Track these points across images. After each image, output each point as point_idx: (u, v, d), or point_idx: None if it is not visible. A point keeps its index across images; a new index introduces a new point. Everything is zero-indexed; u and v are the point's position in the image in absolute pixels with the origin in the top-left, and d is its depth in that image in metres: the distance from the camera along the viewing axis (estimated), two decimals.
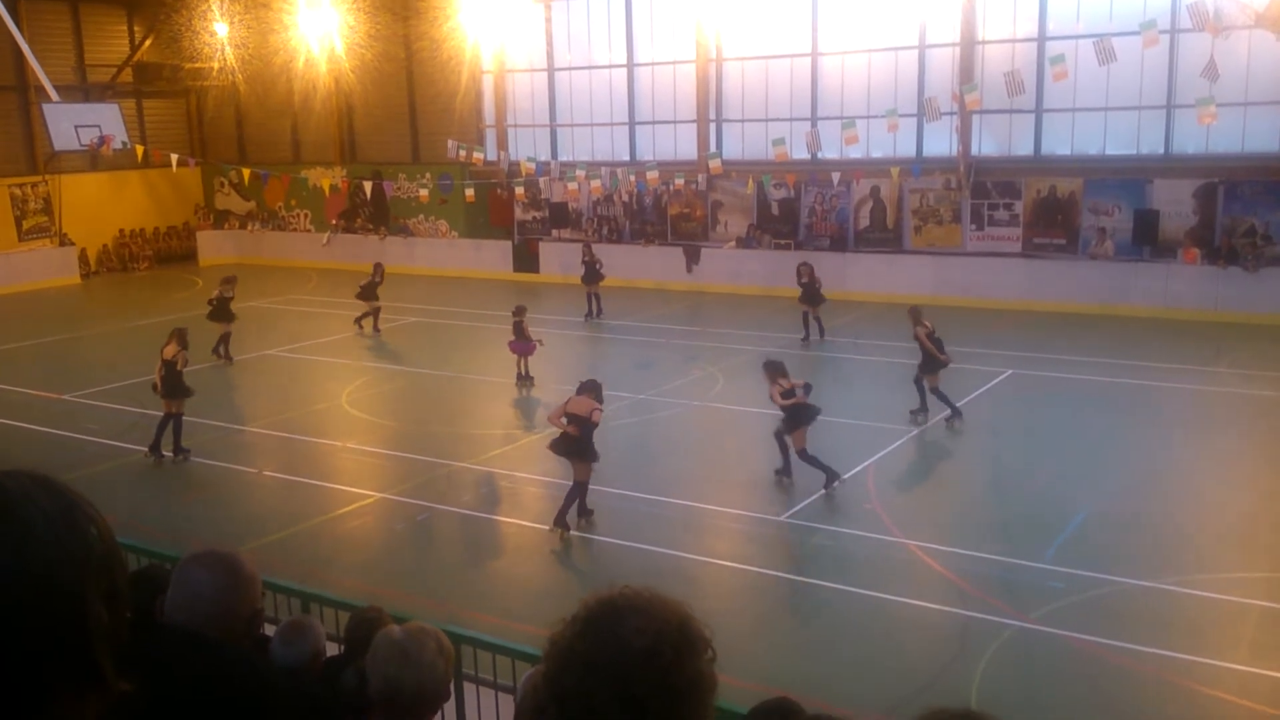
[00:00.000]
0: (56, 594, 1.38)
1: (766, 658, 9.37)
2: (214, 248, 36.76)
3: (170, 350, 15.39)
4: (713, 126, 29.04)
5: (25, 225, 33.08)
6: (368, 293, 23.74)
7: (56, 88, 30.85)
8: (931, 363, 15.90)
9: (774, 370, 13.36)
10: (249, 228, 37.31)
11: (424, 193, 31.18)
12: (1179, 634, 9.73)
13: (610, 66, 30.39)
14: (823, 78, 27.55)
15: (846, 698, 8.58)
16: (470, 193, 29.95)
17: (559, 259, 30.62)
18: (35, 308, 29.10)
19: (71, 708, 1.41)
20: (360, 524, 13.25)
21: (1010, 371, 18.98)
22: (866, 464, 14.43)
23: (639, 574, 11.22)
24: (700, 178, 28.35)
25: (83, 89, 34.34)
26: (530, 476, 14.69)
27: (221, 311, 21.18)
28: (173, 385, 15.30)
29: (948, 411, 16.01)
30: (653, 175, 27.56)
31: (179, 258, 36.64)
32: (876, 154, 26.69)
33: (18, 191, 32.90)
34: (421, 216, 33.63)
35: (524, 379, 18.96)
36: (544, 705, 1.91)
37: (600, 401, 12.45)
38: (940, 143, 26.18)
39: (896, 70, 26.54)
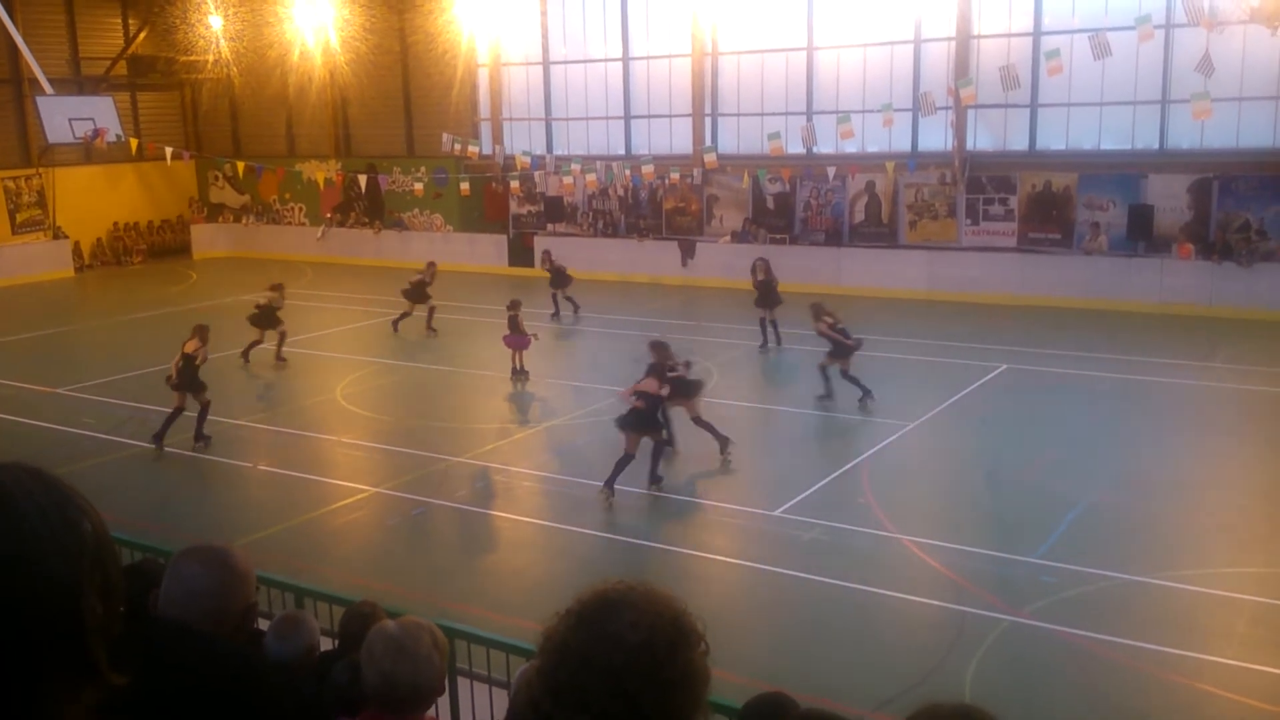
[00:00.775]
0: (50, 588, 1.38)
1: (760, 652, 9.38)
2: (208, 241, 36.70)
3: (192, 345, 15.59)
4: (708, 121, 29.03)
5: (19, 218, 32.99)
6: (417, 293, 22.65)
7: (51, 80, 30.78)
8: (840, 349, 16.69)
9: (660, 349, 14.40)
10: (243, 221, 37.24)
11: (419, 186, 31.17)
12: (1172, 629, 9.76)
13: (606, 60, 30.35)
14: (818, 72, 27.54)
15: (840, 692, 8.60)
16: (465, 186, 29.91)
17: (554, 253, 30.54)
18: (29, 301, 29.04)
19: (66, 701, 1.41)
20: (355, 518, 13.25)
21: (1005, 366, 19.00)
22: (861, 459, 14.45)
23: (633, 568, 11.25)
24: (695, 172, 28.35)
25: (77, 82, 34.23)
26: (525, 471, 14.69)
27: (267, 318, 20.40)
28: (189, 379, 15.50)
29: (859, 393, 16.65)
30: (648, 169, 27.57)
31: (173, 251, 36.56)
32: (872, 148, 26.69)
33: (11, 184, 32.81)
34: (416, 210, 33.59)
35: (519, 373, 18.96)
36: (538, 699, 1.91)
37: (665, 376, 13.56)
38: (935, 137, 26.18)
39: (892, 65, 26.53)
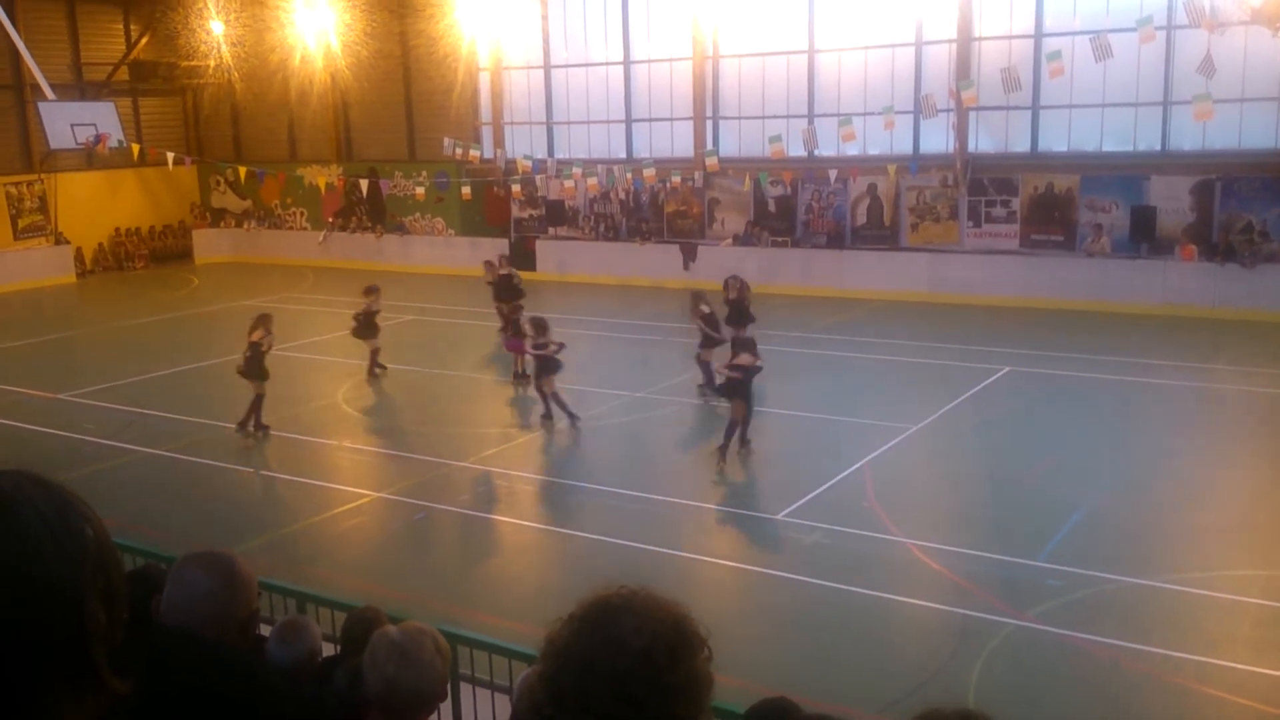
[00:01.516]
0: (53, 594, 1.38)
1: (763, 657, 9.37)
2: (210, 246, 36.73)
3: (257, 334, 16.24)
4: (709, 124, 29.04)
5: (21, 224, 33.02)
6: (369, 328, 19.69)
7: (52, 86, 30.82)
8: (708, 340, 17.62)
9: (538, 325, 16.30)
10: (245, 226, 37.26)
11: (420, 191, 31.17)
12: (1177, 632, 9.74)
13: (607, 64, 30.37)
14: (819, 75, 27.55)
15: (844, 696, 8.59)
16: (467, 191, 29.92)
17: (556, 257, 30.63)
18: (31, 306, 29.07)
19: (68, 708, 1.41)
20: (357, 523, 13.24)
21: (1007, 369, 18.99)
22: (863, 462, 14.43)
23: (636, 573, 11.23)
24: (697, 175, 28.35)
25: (78, 87, 34.29)
26: (527, 475, 14.69)
27: (369, 328, 19.58)
28: (255, 367, 16.20)
29: (703, 381, 17.69)
30: (649, 173, 27.56)
31: (175, 256, 36.59)
32: (873, 151, 26.69)
33: (13, 190, 32.85)
34: (418, 214, 33.61)
35: (521, 377, 18.94)
36: (541, 705, 1.91)
37: (756, 349, 14.63)
38: (937, 140, 26.18)
39: (893, 67, 26.54)
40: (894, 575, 11.13)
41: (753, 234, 28.39)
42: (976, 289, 25.10)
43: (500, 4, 30.61)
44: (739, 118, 28.85)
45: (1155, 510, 12.71)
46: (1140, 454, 14.74)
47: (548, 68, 31.33)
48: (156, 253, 36.46)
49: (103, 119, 32.11)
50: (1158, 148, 24.15)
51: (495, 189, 31.24)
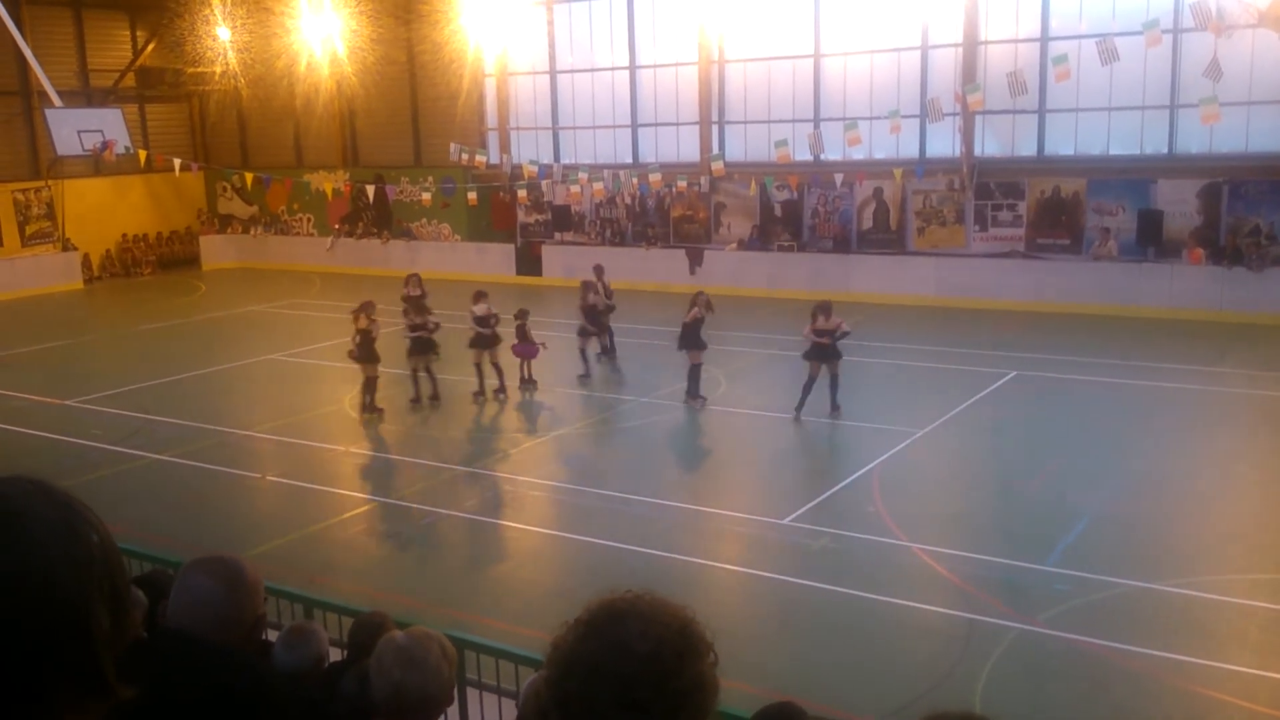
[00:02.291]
0: (58, 600, 1.38)
1: (769, 662, 9.35)
2: (217, 252, 36.81)
3: (363, 321, 17.20)
4: (715, 128, 29.05)
5: (28, 230, 33.13)
6: (368, 351, 17.60)
7: (59, 93, 30.86)
8: (585, 330, 19.30)
9: (418, 306, 17.95)
10: (252, 232, 37.35)
11: (426, 196, 31.22)
12: (1185, 636, 9.71)
13: (613, 69, 30.41)
14: (825, 79, 27.56)
15: (850, 702, 8.57)
16: (473, 196, 29.97)
17: (562, 262, 30.66)
18: (38, 313, 29.14)
19: (74, 714, 1.41)
20: (363, 529, 13.25)
21: (1014, 373, 18.96)
22: (871, 466, 14.42)
23: (641, 578, 11.22)
24: (703, 180, 28.36)
25: (85, 94, 34.38)
26: (533, 480, 14.68)
27: (486, 337, 18.61)
28: (367, 351, 17.16)
29: (583, 371, 19.23)
30: (655, 177, 27.58)
31: (182, 262, 36.68)
32: (879, 155, 26.69)
33: (21, 197, 32.96)
34: (424, 220, 33.66)
35: (527, 382, 18.95)
36: (546, 710, 1.90)
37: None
38: (943, 144, 26.17)
39: (899, 71, 26.54)
40: (901, 580, 11.10)
41: (761, 238, 28.39)
42: (983, 293, 25.08)
43: (506, 10, 30.65)
44: (745, 122, 28.86)
45: (1163, 514, 12.67)
46: (1147, 458, 14.70)
47: (553, 73, 31.36)
48: (163, 259, 36.56)
49: (109, 125, 32.19)
50: (1164, 151, 24.11)
51: (501, 194, 31.28)
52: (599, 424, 16.70)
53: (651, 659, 1.83)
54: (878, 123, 25.62)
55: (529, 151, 31.33)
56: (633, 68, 30.11)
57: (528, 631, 9.00)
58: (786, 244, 28.03)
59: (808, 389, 16.38)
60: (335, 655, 5.61)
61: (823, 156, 26.70)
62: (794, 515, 12.78)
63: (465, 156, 29.00)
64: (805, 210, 28.00)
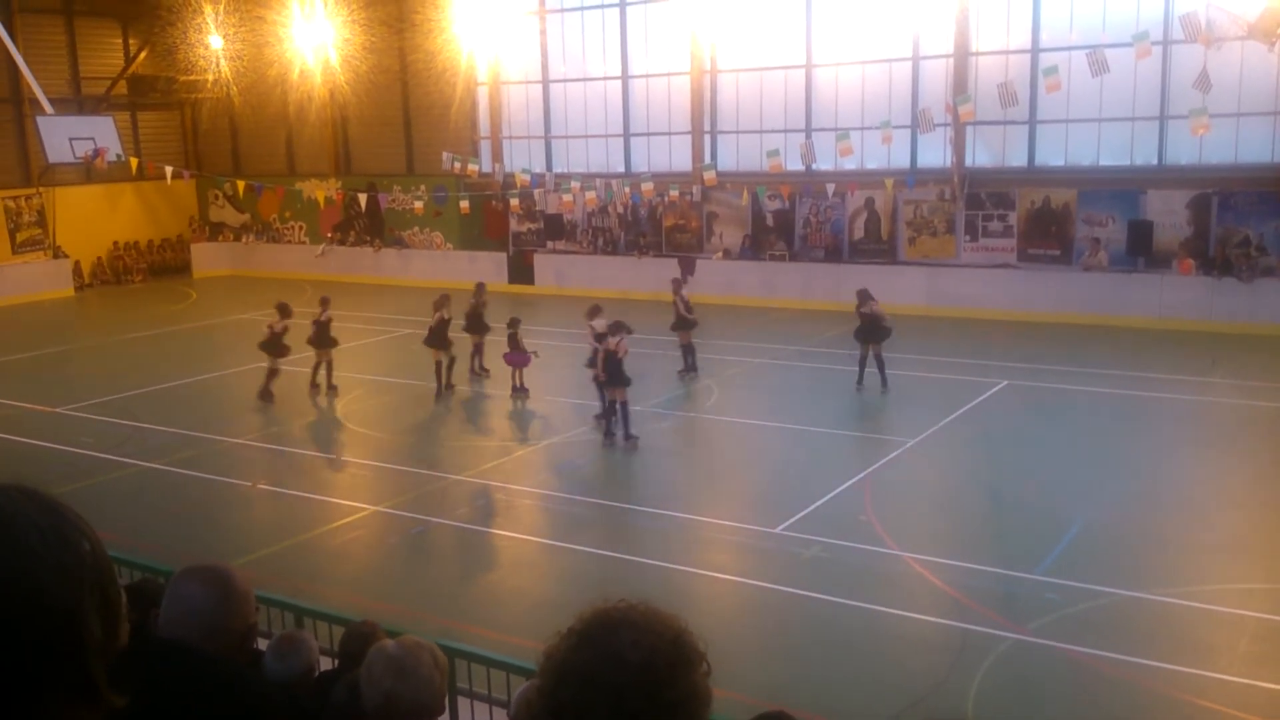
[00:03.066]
0: (49, 609, 1.38)
1: (762, 671, 9.34)
2: (208, 260, 36.75)
3: (444, 312, 18.96)
4: (707, 138, 29.09)
5: (19, 238, 33.04)
6: (474, 323, 20.45)
7: (51, 100, 30.87)
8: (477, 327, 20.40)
9: (323, 302, 19.80)
10: (244, 240, 37.30)
11: (419, 205, 31.22)
12: (1175, 645, 9.73)
13: (605, 78, 30.43)
14: (817, 89, 27.61)
15: (842, 711, 8.57)
16: (465, 205, 29.97)
17: (554, 271, 30.66)
18: (29, 320, 29.06)
19: None
20: (354, 537, 13.22)
21: (1005, 383, 19.00)
22: (862, 476, 14.43)
23: (634, 587, 11.21)
24: (695, 189, 28.40)
25: (77, 101, 34.35)
26: (525, 489, 14.67)
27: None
28: (440, 338, 19.07)
29: (486, 372, 20.28)
30: (647, 187, 27.62)
31: (173, 270, 36.61)
32: (871, 165, 26.74)
33: (12, 204, 32.88)
34: (416, 228, 33.65)
35: (519, 391, 18.95)
36: (539, 719, 1.90)
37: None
38: (934, 154, 26.24)
39: (890, 82, 26.60)
40: (892, 589, 11.11)
41: (752, 246, 28.42)
42: (974, 303, 25.12)
43: (499, 19, 30.69)
44: (737, 132, 28.90)
45: (1153, 524, 12.70)
46: (1138, 467, 14.73)
47: (546, 82, 31.39)
48: (155, 266, 36.49)
49: (101, 133, 32.17)
50: (1154, 162, 24.19)
51: (494, 203, 31.28)
52: (591, 432, 16.69)
53: (644, 669, 1.83)
54: (869, 133, 25.68)
55: (521, 160, 31.35)
56: (625, 77, 30.14)
57: (520, 641, 8.98)
58: (778, 253, 28.09)
59: (863, 362, 18.58)
60: (326, 664, 5.60)
61: (814, 166, 26.75)
62: (786, 524, 12.78)
63: (458, 165, 29.00)
64: (797, 220, 28.04)
